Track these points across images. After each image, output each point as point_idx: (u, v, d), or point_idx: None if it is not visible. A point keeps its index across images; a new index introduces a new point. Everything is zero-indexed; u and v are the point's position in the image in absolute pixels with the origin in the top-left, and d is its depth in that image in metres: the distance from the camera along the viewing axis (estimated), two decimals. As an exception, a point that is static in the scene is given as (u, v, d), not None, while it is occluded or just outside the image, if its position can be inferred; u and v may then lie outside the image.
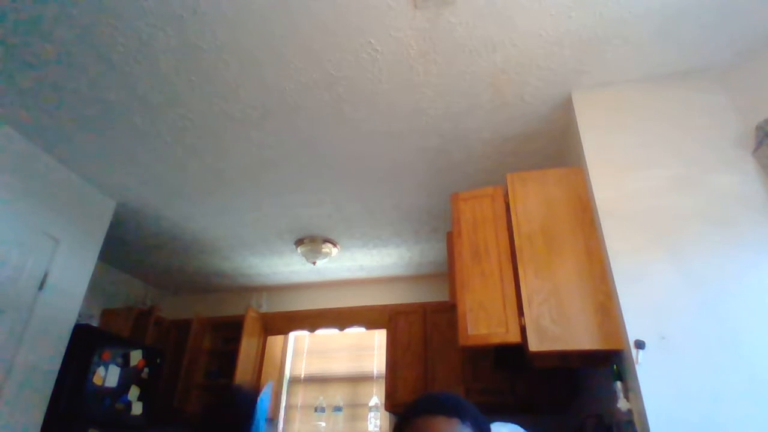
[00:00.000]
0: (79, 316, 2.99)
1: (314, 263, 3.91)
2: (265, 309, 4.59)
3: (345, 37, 2.06)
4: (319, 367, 4.42)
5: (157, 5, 1.91)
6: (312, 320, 4.39)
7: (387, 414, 3.84)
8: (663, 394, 1.61)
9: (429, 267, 4.29)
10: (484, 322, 2.07)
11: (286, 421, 4.22)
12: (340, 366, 4.36)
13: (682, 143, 2.05)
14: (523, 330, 1.96)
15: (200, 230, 3.72)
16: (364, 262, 4.24)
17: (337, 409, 4.08)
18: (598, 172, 2.10)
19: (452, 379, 3.41)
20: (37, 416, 2.61)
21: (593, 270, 1.98)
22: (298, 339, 4.66)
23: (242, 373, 3.94)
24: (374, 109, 2.46)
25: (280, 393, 4.32)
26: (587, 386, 2.69)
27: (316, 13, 1.95)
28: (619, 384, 1.80)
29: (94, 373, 3.04)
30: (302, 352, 4.58)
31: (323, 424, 4.05)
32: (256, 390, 1.55)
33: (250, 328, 4.17)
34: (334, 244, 3.90)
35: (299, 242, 3.85)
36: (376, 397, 4.03)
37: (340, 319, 4.33)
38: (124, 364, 3.31)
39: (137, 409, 3.35)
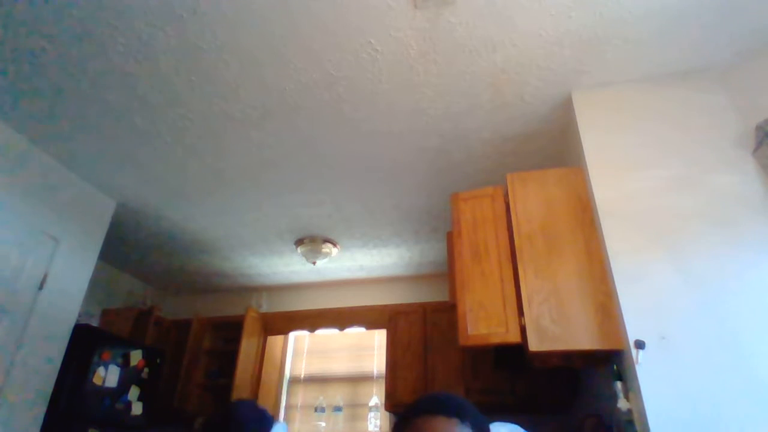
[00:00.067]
0: (79, 316, 2.99)
1: (314, 263, 3.91)
2: (265, 309, 4.59)
3: (345, 37, 2.06)
4: (319, 367, 4.42)
5: (157, 5, 1.91)
6: (312, 320, 4.39)
7: (387, 414, 3.84)
8: (663, 394, 1.61)
9: (429, 267, 4.29)
10: (484, 322, 2.07)
11: (286, 421, 4.22)
12: (340, 366, 4.36)
13: (682, 143, 2.05)
14: (523, 330, 1.97)
15: (200, 230, 3.72)
16: (364, 262, 4.24)
17: (337, 409, 4.08)
18: (598, 172, 2.10)
19: (452, 379, 3.41)
20: (37, 416, 2.61)
21: (593, 270, 1.98)
22: (298, 339, 4.66)
23: (242, 373, 3.94)
24: (374, 109, 2.46)
25: (281, 393, 4.32)
26: (587, 386, 2.69)
27: (316, 13, 1.95)
28: (619, 384, 1.80)
29: (94, 373, 3.04)
30: (302, 352, 4.58)
31: (323, 424, 4.05)
32: (258, 410, 1.49)
33: (250, 328, 4.17)
34: (334, 244, 3.90)
35: (299, 242, 3.85)
36: (376, 397, 4.03)
37: (340, 319, 4.33)
38: (124, 364, 3.31)
39: (137, 409, 3.35)
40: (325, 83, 2.30)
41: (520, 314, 1.99)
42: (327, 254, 3.88)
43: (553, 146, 2.68)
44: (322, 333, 4.50)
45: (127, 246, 3.93)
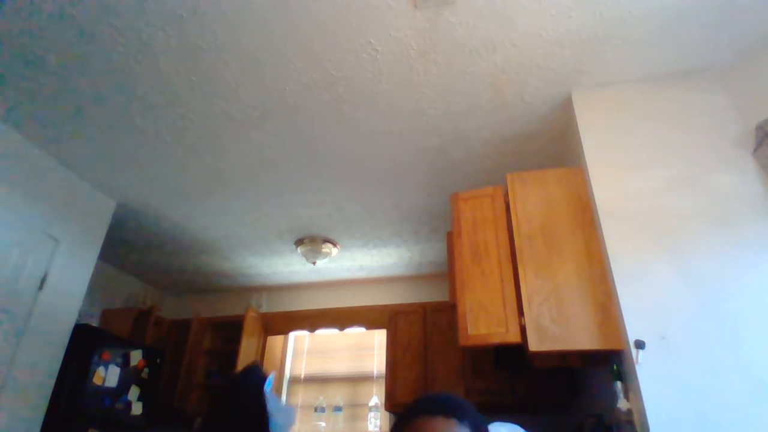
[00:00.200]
0: (79, 316, 2.99)
1: (314, 263, 3.91)
2: (265, 309, 4.59)
3: (345, 37, 2.06)
4: (319, 367, 4.43)
5: (157, 5, 1.91)
6: (312, 320, 4.39)
7: (387, 414, 3.84)
8: (663, 394, 1.61)
9: (429, 267, 4.29)
10: (484, 322, 2.07)
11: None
12: (340, 366, 4.36)
13: (682, 143, 2.05)
14: (523, 330, 1.96)
15: (200, 230, 3.72)
16: (364, 262, 4.24)
17: (337, 409, 4.08)
18: (598, 172, 2.09)
19: (452, 379, 3.41)
20: (37, 416, 2.61)
21: (593, 270, 1.98)
22: (298, 339, 4.66)
23: (242, 373, 3.93)
24: (374, 109, 2.46)
25: (281, 393, 4.32)
26: (587, 386, 2.69)
27: (316, 13, 1.95)
28: (619, 384, 1.80)
29: (94, 373, 3.04)
30: (302, 352, 4.58)
31: (323, 424, 4.05)
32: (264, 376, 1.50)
33: (250, 328, 4.17)
34: (334, 244, 3.90)
35: (299, 242, 3.85)
36: (376, 397, 4.03)
37: (340, 319, 4.33)
38: (124, 364, 3.31)
39: (137, 409, 3.36)
40: (325, 83, 2.30)
41: (520, 314, 1.99)
42: (327, 254, 3.89)
43: (553, 146, 2.68)
44: (322, 333, 4.50)
45: (127, 246, 3.93)
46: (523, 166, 2.76)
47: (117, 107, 2.44)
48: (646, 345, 1.68)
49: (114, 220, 3.30)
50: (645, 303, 1.77)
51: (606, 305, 1.89)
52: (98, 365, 3.08)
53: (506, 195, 2.32)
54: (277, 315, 4.49)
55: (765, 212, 1.82)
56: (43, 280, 2.72)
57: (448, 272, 2.78)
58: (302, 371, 4.45)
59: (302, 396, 4.31)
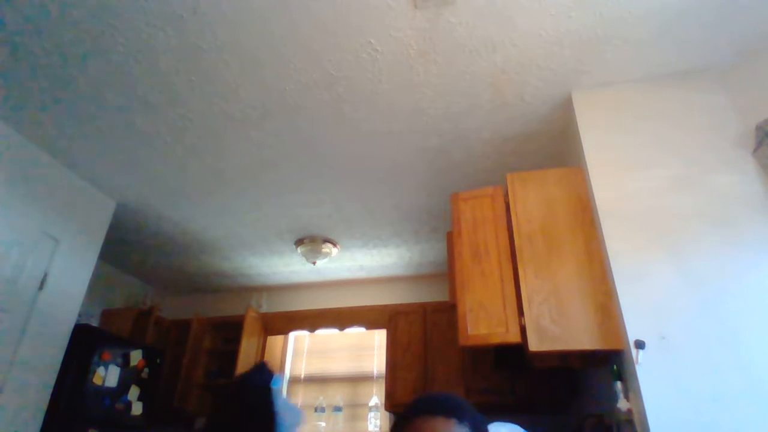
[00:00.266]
0: (79, 316, 2.99)
1: (314, 263, 3.91)
2: (265, 309, 4.59)
3: (345, 37, 2.06)
4: (319, 367, 4.42)
5: (157, 5, 1.91)
6: (312, 320, 4.39)
7: (387, 414, 3.84)
8: (663, 394, 1.61)
9: (429, 267, 4.29)
10: (484, 322, 2.07)
11: (286, 421, 4.21)
12: (340, 366, 4.36)
13: (682, 143, 2.05)
14: (523, 330, 1.96)
15: (200, 230, 3.72)
16: (364, 262, 4.24)
17: (337, 409, 4.08)
18: (598, 172, 2.10)
19: (452, 379, 3.41)
20: (37, 416, 2.61)
21: (593, 270, 1.98)
22: (298, 339, 4.66)
23: (242, 373, 3.93)
24: (374, 109, 2.46)
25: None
26: (587, 386, 2.69)
27: (316, 13, 1.95)
28: (619, 384, 1.80)
29: (94, 373, 3.04)
30: (302, 352, 4.58)
31: (323, 424, 4.05)
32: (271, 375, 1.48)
33: (250, 328, 4.17)
34: (334, 244, 3.90)
35: (299, 242, 3.85)
36: (376, 397, 4.03)
37: (340, 319, 4.33)
38: (124, 364, 3.32)
39: (137, 409, 3.36)
40: (325, 83, 2.30)
41: (520, 314, 1.99)
42: (327, 254, 3.89)
43: (553, 146, 2.68)
44: (322, 333, 4.50)
45: (127, 246, 3.93)
46: (523, 166, 2.76)
47: (117, 107, 2.44)
48: (646, 345, 1.68)
49: (114, 220, 3.30)
50: (645, 303, 1.77)
51: (606, 305, 1.89)
52: (98, 365, 3.08)
53: (506, 195, 2.32)
54: (277, 315, 4.49)
55: (765, 212, 1.82)
56: (43, 280, 2.72)
57: (448, 272, 2.78)
58: (302, 371, 4.45)
59: (302, 396, 4.30)
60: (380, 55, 2.14)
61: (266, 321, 4.41)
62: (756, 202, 1.85)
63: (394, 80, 2.28)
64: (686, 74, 2.21)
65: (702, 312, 1.70)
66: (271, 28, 2.01)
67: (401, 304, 4.08)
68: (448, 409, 0.88)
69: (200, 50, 2.12)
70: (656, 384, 1.63)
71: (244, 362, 3.98)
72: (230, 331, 4.24)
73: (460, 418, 0.86)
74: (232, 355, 3.98)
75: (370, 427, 3.91)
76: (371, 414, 3.97)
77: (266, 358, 4.24)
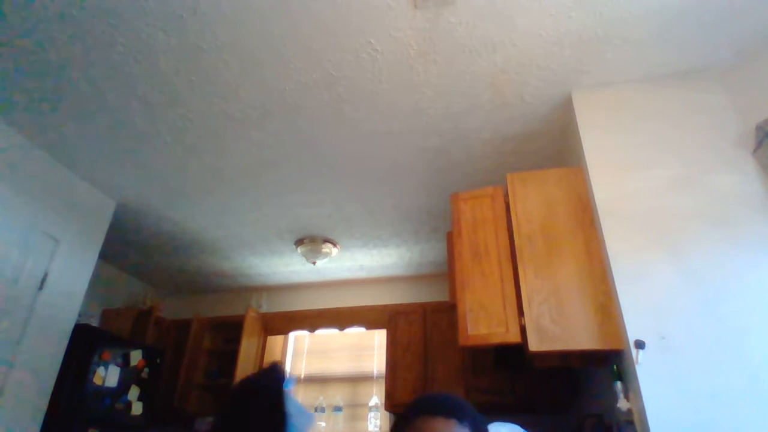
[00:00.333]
0: (79, 316, 2.99)
1: (314, 263, 3.91)
2: (265, 309, 4.59)
3: (345, 37, 2.06)
4: (319, 367, 4.42)
5: (157, 5, 1.91)
6: (312, 320, 4.39)
7: (387, 414, 3.84)
8: (663, 394, 1.61)
9: (429, 267, 4.29)
10: (484, 322, 2.07)
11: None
12: (340, 366, 4.36)
13: (682, 143, 2.05)
14: (523, 330, 1.96)
15: (200, 230, 3.72)
16: (364, 262, 4.24)
17: (337, 409, 4.08)
18: (598, 172, 2.10)
19: (452, 379, 3.41)
20: (37, 416, 2.61)
21: (593, 270, 1.98)
22: (298, 339, 4.66)
23: (242, 373, 3.93)
24: (374, 109, 2.46)
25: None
26: (587, 386, 2.69)
27: (316, 13, 1.95)
28: (619, 384, 1.80)
29: (94, 373, 3.04)
30: (302, 352, 4.58)
31: (323, 424, 4.05)
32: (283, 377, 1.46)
33: (250, 328, 4.17)
34: (334, 244, 3.90)
35: (299, 242, 3.85)
36: (376, 397, 4.03)
37: (340, 319, 4.33)
38: (124, 364, 3.32)
39: (137, 409, 3.36)
40: (325, 83, 2.30)
41: (520, 314, 1.99)
42: (327, 254, 3.88)
43: (553, 146, 2.68)
44: (322, 333, 4.50)
45: (127, 246, 3.93)
46: (523, 166, 2.76)
47: (117, 107, 2.44)
48: (646, 345, 1.68)
49: (114, 220, 3.30)
50: (645, 303, 1.77)
51: (606, 305, 1.89)
52: (98, 365, 3.08)
53: (506, 195, 2.32)
54: (277, 315, 4.49)
55: (765, 212, 1.82)
56: (43, 280, 2.72)
57: (448, 272, 2.78)
58: (302, 371, 4.45)
59: (302, 396, 4.30)
60: (380, 55, 2.14)
61: (266, 321, 4.41)
62: (756, 202, 1.85)
63: (394, 80, 2.28)
64: (686, 74, 2.21)
65: (702, 312, 1.70)
66: (271, 28, 2.01)
67: (401, 304, 4.08)
68: (448, 409, 0.88)
69: (200, 50, 2.12)
70: (656, 384, 1.63)
71: (244, 362, 3.99)
72: (230, 331, 4.24)
73: (461, 419, 0.86)
74: (232, 355, 3.98)
75: (370, 427, 3.91)
76: (371, 414, 3.97)
77: (266, 358, 4.24)
